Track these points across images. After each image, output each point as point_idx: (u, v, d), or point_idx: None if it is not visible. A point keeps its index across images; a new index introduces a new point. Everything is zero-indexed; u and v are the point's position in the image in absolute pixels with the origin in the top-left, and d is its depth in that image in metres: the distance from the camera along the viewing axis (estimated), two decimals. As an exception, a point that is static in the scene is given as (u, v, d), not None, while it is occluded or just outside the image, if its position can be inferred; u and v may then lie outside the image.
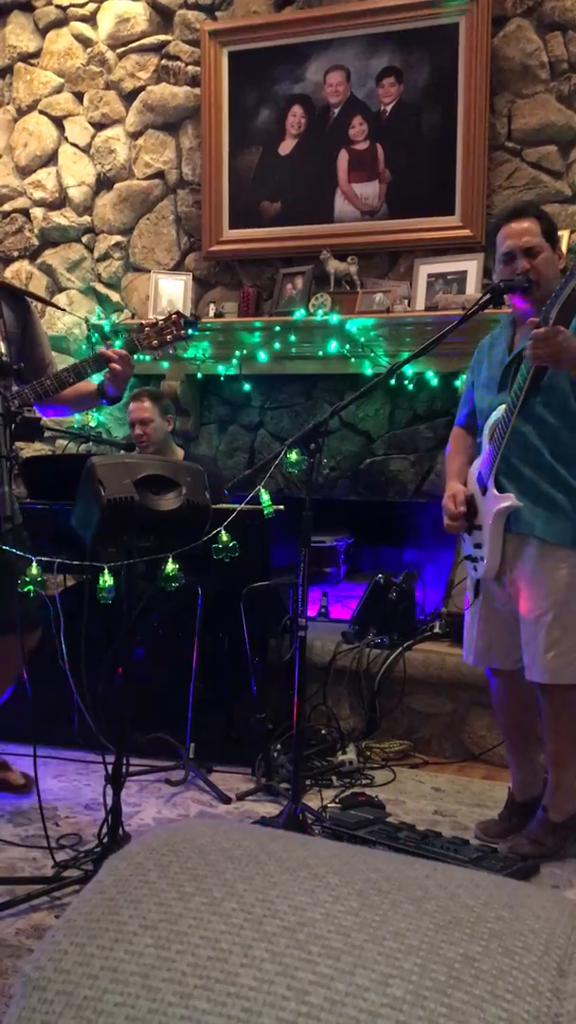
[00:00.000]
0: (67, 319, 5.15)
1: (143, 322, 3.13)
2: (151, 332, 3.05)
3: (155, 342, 3.06)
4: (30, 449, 4.91)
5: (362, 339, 4.37)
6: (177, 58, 4.94)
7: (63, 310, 4.55)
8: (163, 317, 3.10)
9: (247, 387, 4.81)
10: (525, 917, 0.69)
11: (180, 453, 4.23)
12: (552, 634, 2.79)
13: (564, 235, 4.12)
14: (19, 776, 3.39)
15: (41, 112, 5.28)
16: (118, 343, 3.12)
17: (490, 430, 2.85)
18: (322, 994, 0.61)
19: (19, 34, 5.29)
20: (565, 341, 2.57)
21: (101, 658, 2.78)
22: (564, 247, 4.10)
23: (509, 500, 2.77)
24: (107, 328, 4.90)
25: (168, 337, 3.05)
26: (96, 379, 3.09)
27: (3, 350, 2.97)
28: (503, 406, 2.79)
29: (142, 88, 5.03)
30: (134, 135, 5.09)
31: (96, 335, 4.96)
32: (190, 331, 3.07)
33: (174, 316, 3.08)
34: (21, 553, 2.72)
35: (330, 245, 4.54)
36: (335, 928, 0.66)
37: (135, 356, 3.07)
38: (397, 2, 4.34)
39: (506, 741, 3.17)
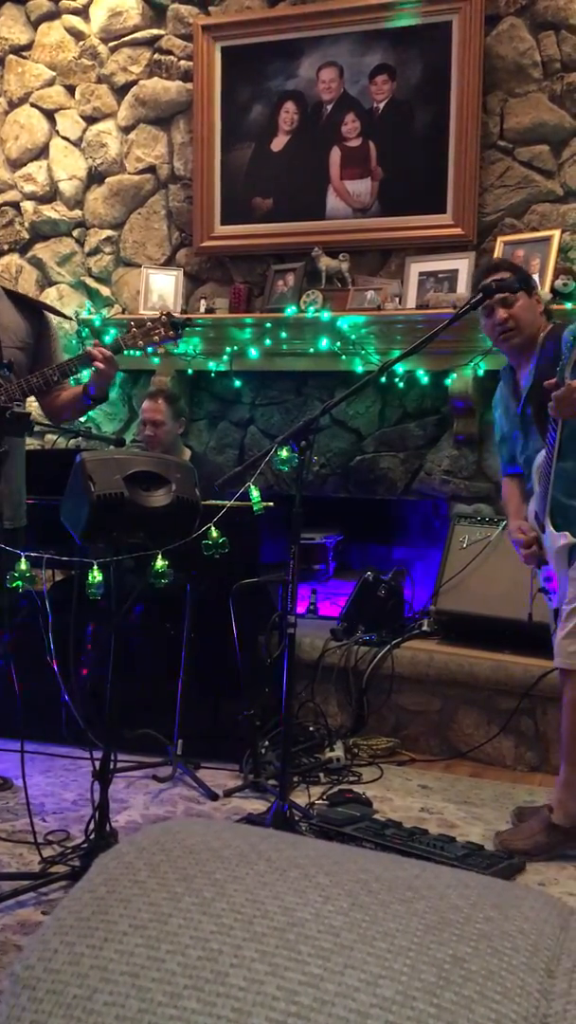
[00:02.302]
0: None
1: (131, 320, 3.10)
2: (137, 333, 3.02)
3: (141, 342, 3.02)
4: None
5: (353, 336, 4.37)
6: (170, 53, 4.93)
7: (69, 318, 4.54)
8: (152, 318, 3.07)
9: (238, 383, 4.81)
10: (514, 918, 0.70)
11: (187, 454, 4.22)
12: (573, 620, 2.86)
13: (555, 234, 4.13)
14: None
15: (32, 105, 5.25)
16: (108, 338, 3.11)
17: (537, 474, 2.96)
18: (312, 994, 0.62)
19: (11, 26, 5.27)
20: None
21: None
22: (553, 254, 4.11)
23: (566, 538, 2.86)
24: (97, 323, 4.89)
25: (155, 338, 3.02)
26: (85, 377, 3.10)
27: None
28: (543, 451, 2.89)
29: (134, 82, 5.02)
30: (126, 129, 5.07)
31: (86, 330, 4.95)
32: (179, 332, 3.04)
33: (163, 317, 3.05)
34: (9, 548, 2.71)
35: (322, 242, 4.54)
36: (325, 928, 0.66)
37: (126, 353, 3.08)
38: (391, -1, 4.35)
39: None
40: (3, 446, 2.71)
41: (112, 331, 4.79)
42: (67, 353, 3.39)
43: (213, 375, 4.81)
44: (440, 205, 4.35)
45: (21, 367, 3.04)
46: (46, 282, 5.27)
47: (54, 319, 3.31)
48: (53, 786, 3.43)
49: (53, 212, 5.23)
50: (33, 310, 3.24)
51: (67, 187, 5.19)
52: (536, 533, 3.02)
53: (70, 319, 4.68)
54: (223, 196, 4.78)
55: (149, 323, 3.03)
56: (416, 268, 4.40)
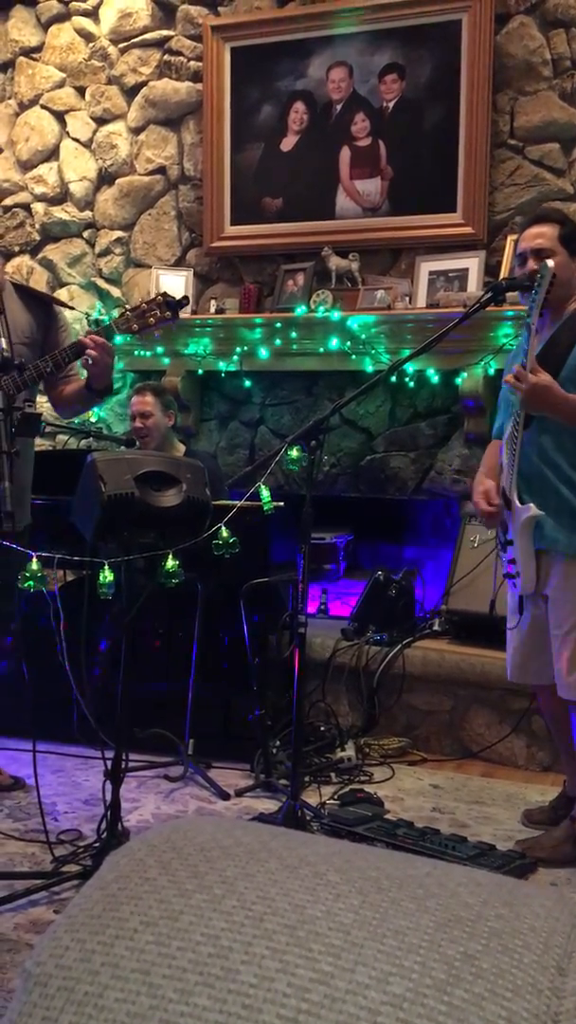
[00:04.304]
0: (67, 315, 5.14)
1: (126, 306, 3.00)
2: (131, 316, 2.89)
3: (135, 326, 2.88)
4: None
5: (363, 336, 4.37)
6: (179, 53, 4.93)
7: (73, 308, 4.53)
8: (147, 299, 2.94)
9: (248, 383, 4.81)
10: (525, 916, 0.70)
11: (181, 449, 4.23)
12: (568, 647, 2.75)
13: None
14: (7, 777, 3.39)
15: (43, 107, 5.27)
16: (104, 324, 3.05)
17: (507, 445, 2.83)
18: (322, 991, 0.62)
19: (21, 28, 5.28)
20: (542, 393, 2.59)
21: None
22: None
23: (530, 510, 2.73)
24: (107, 323, 4.89)
25: (151, 320, 2.87)
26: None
27: (3, 345, 2.95)
28: (511, 421, 2.79)
29: (144, 83, 5.02)
30: (136, 130, 5.08)
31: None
32: (176, 312, 2.89)
33: (158, 298, 2.91)
34: (21, 548, 2.72)
35: (331, 242, 4.54)
36: (336, 926, 0.66)
37: (136, 354, 3.04)
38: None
39: (560, 747, 3.16)
40: (15, 447, 2.71)
41: (106, 319, 4.77)
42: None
43: (223, 375, 4.81)
44: (450, 204, 4.34)
45: (28, 362, 2.96)
46: (56, 283, 5.29)
47: (66, 312, 3.26)
48: (65, 786, 3.44)
49: (63, 213, 5.25)
50: (41, 304, 3.20)
51: (77, 188, 5.20)
52: (498, 502, 2.87)
53: (73, 308, 4.68)
54: (233, 196, 4.78)
55: (144, 305, 2.91)
56: (426, 267, 4.39)
